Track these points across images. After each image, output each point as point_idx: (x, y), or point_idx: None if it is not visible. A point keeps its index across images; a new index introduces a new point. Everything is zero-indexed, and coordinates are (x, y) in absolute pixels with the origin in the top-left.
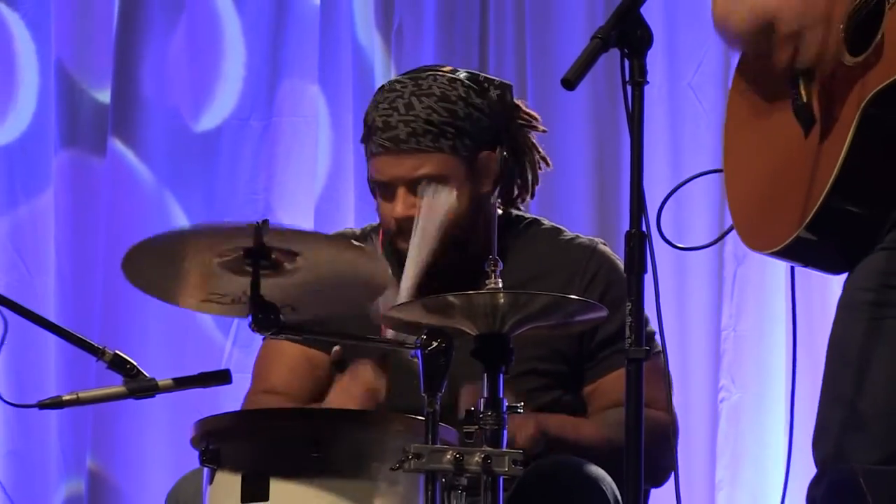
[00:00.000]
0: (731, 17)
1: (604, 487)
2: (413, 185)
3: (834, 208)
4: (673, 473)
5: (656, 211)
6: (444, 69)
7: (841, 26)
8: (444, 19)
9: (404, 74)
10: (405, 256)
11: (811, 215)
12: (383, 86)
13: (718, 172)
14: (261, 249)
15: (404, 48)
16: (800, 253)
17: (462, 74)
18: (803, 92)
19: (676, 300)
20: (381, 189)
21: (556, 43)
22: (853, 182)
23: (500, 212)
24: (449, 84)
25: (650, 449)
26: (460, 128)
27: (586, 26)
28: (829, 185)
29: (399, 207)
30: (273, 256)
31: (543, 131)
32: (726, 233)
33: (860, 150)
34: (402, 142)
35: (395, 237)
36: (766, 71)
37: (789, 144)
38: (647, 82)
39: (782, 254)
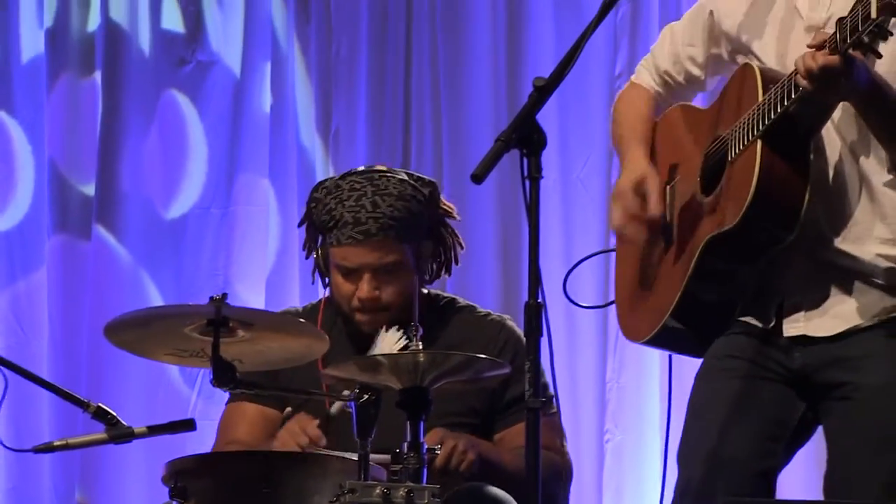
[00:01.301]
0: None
1: None
2: (377, 271)
3: (685, 311)
4: None
5: (561, 280)
6: (383, 168)
7: (700, 165)
8: (374, 125)
9: (354, 174)
10: (361, 329)
11: (667, 315)
12: (339, 184)
13: (611, 252)
14: (221, 320)
15: (340, 149)
16: (663, 343)
17: (404, 175)
18: (667, 214)
19: (569, 357)
20: (346, 273)
21: (468, 143)
22: (694, 297)
23: (425, 291)
24: (400, 184)
25: (549, 482)
26: (413, 222)
27: (492, 129)
28: (677, 297)
29: (364, 289)
30: (231, 325)
31: (458, 219)
32: (611, 303)
33: (700, 274)
34: (372, 235)
35: (354, 312)
36: None
37: (656, 254)
38: (542, 177)
39: (649, 343)
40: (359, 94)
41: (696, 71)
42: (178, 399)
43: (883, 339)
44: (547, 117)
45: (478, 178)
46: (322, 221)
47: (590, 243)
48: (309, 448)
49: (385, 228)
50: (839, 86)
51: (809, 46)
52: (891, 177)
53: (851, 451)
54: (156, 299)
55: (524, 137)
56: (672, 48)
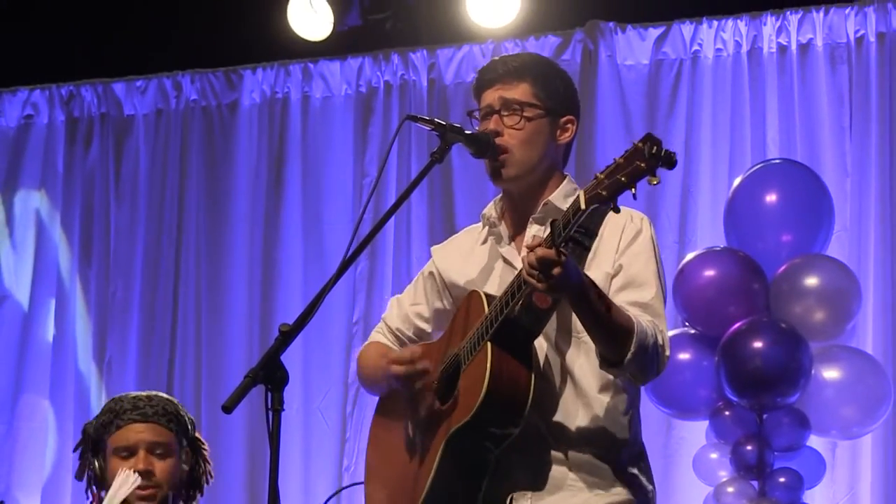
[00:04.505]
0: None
1: None
2: (151, 449)
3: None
4: None
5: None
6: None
7: (435, 382)
8: (143, 357)
9: (134, 394)
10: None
11: None
12: (124, 397)
13: (360, 484)
14: None
15: (113, 376)
16: None
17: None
18: (411, 430)
19: None
20: (125, 453)
21: (224, 376)
22: (439, 493)
23: None
24: (169, 401)
25: None
26: (178, 421)
27: (245, 365)
28: (423, 496)
29: (141, 463)
30: None
31: (207, 450)
32: None
33: (444, 470)
34: (149, 416)
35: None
36: (392, 412)
37: (403, 464)
38: (284, 409)
39: None
40: (131, 330)
41: (423, 325)
42: None
43: None
44: (293, 355)
45: (227, 408)
46: (102, 423)
47: (328, 465)
48: None
49: (159, 414)
50: (557, 277)
51: (528, 247)
52: (603, 381)
53: None
54: None
55: (269, 375)
56: (400, 310)
